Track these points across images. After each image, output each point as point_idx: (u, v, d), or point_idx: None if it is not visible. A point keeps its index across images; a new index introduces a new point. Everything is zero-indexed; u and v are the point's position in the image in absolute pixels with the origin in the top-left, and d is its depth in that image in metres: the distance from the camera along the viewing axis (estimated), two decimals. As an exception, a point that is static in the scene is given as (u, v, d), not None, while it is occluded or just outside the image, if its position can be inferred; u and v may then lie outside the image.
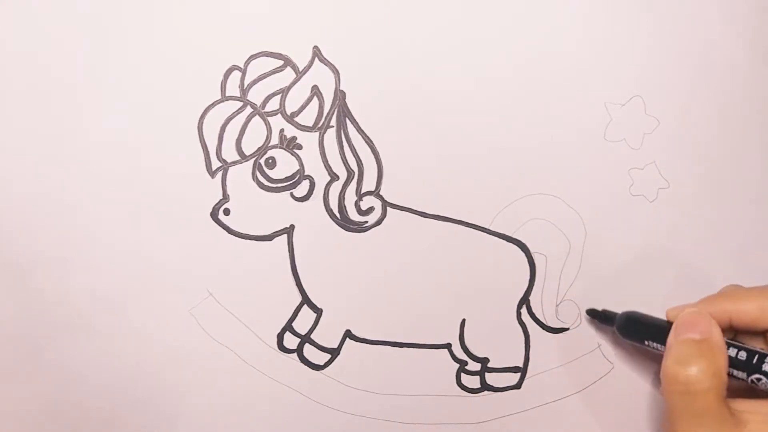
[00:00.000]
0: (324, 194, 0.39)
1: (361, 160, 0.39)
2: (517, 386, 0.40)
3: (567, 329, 0.40)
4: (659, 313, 0.37)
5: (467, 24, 0.38)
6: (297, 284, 0.39)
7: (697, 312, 0.35)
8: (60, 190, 0.38)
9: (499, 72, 0.39)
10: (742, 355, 0.34)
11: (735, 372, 0.34)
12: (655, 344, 0.36)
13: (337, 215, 0.39)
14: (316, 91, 0.38)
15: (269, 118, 0.38)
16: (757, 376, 0.33)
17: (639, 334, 0.37)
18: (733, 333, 0.36)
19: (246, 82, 0.38)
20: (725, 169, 0.40)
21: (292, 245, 0.39)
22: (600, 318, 0.39)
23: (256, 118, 0.38)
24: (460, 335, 0.40)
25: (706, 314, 0.35)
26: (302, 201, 0.39)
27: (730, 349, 0.34)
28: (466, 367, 0.40)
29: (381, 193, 0.39)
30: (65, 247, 0.38)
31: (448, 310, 0.40)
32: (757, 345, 0.35)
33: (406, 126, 0.39)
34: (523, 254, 0.40)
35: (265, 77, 0.38)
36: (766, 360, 0.33)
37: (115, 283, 0.38)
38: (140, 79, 0.38)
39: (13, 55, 0.37)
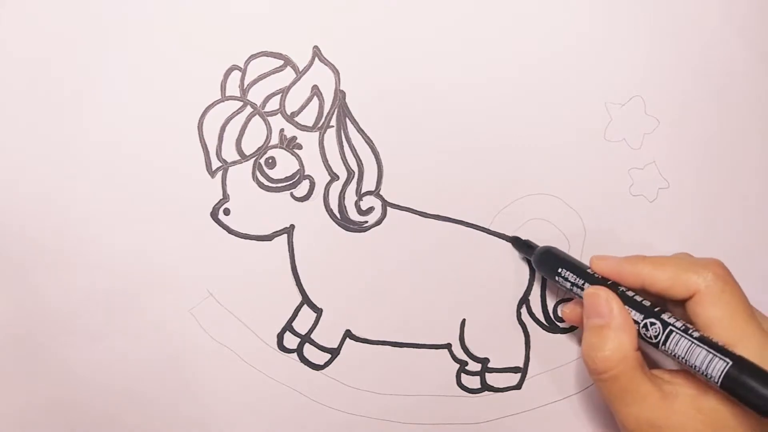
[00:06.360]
0: (324, 194, 0.39)
1: (361, 160, 0.39)
2: (518, 386, 0.40)
3: (567, 329, 0.40)
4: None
5: (467, 24, 0.38)
6: (297, 284, 0.39)
7: (594, 294, 0.34)
8: (60, 190, 0.38)
9: (499, 72, 0.39)
10: (646, 302, 0.33)
11: (633, 313, 0.33)
12: (563, 281, 0.36)
13: (337, 215, 0.39)
14: (316, 91, 0.38)
15: (269, 118, 0.38)
16: (651, 320, 0.33)
17: (552, 268, 0.37)
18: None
19: (246, 82, 0.38)
20: (725, 169, 0.40)
21: (292, 245, 0.39)
22: (522, 248, 0.39)
23: (256, 118, 0.38)
24: (460, 335, 0.40)
25: (604, 294, 0.34)
26: (302, 201, 0.39)
27: (636, 296, 0.34)
28: (466, 368, 0.40)
29: (381, 193, 0.39)
30: (65, 246, 0.38)
31: (448, 310, 0.40)
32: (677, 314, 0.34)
33: (406, 126, 0.39)
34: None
35: (265, 77, 0.38)
36: (664, 314, 0.32)
37: (115, 283, 0.38)
38: (140, 79, 0.38)
39: (13, 55, 0.37)
